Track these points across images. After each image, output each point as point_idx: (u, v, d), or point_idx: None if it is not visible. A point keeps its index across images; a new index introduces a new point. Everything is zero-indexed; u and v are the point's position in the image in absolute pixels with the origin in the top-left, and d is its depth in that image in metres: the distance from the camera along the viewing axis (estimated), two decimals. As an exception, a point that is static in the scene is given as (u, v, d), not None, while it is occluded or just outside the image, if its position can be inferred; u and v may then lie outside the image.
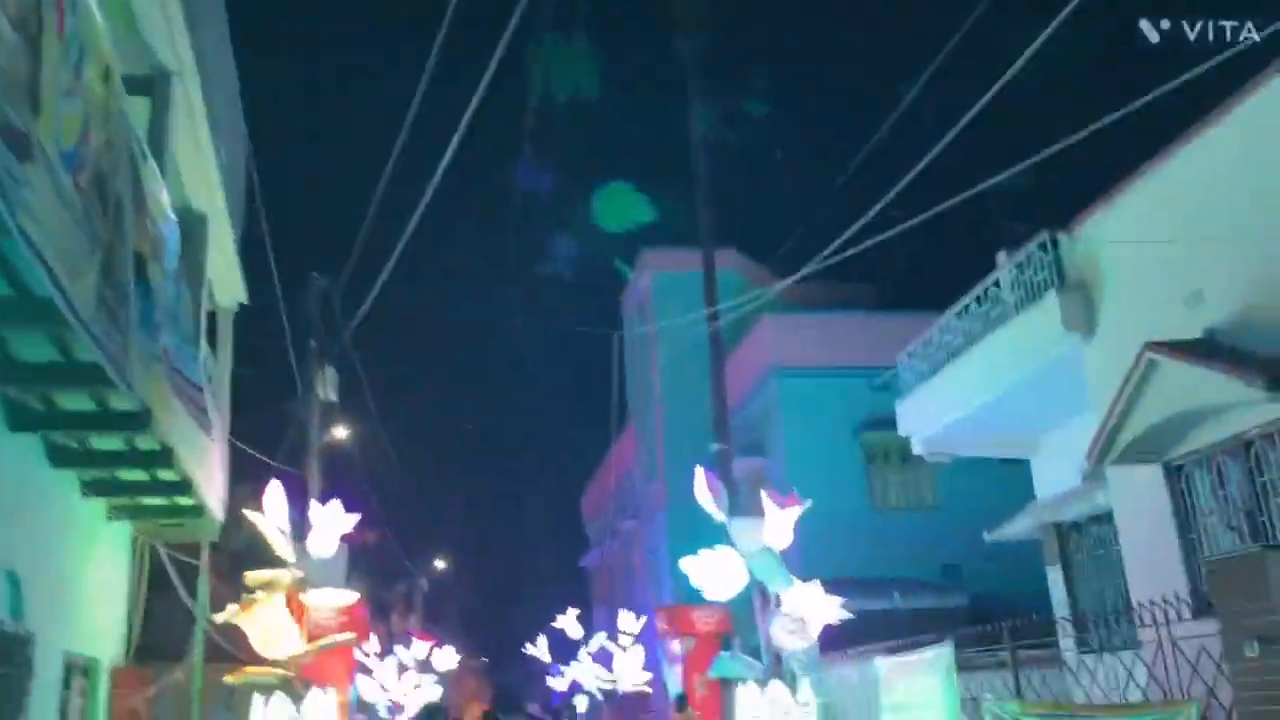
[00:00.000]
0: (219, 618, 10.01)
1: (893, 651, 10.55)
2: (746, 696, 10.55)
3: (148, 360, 6.58)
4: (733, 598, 10.44)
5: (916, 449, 12.59)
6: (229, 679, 10.79)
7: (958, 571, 17.86)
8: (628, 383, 25.71)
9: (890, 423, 18.63)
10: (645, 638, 22.02)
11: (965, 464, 18.90)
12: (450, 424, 77.56)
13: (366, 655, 22.31)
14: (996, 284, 11.30)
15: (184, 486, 9.35)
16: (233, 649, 13.07)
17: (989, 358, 11.30)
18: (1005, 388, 11.05)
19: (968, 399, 11.66)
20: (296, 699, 10.45)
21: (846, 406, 18.42)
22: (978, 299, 11.68)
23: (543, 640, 32.37)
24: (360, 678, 22.32)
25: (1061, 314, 10.02)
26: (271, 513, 10.18)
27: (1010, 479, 18.43)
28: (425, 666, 34.72)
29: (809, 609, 10.75)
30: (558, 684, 35.09)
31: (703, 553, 10.53)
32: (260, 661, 10.68)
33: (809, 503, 11.08)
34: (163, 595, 12.11)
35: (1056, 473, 12.15)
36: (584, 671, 23.91)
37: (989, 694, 8.60)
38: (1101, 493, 10.40)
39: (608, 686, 21.79)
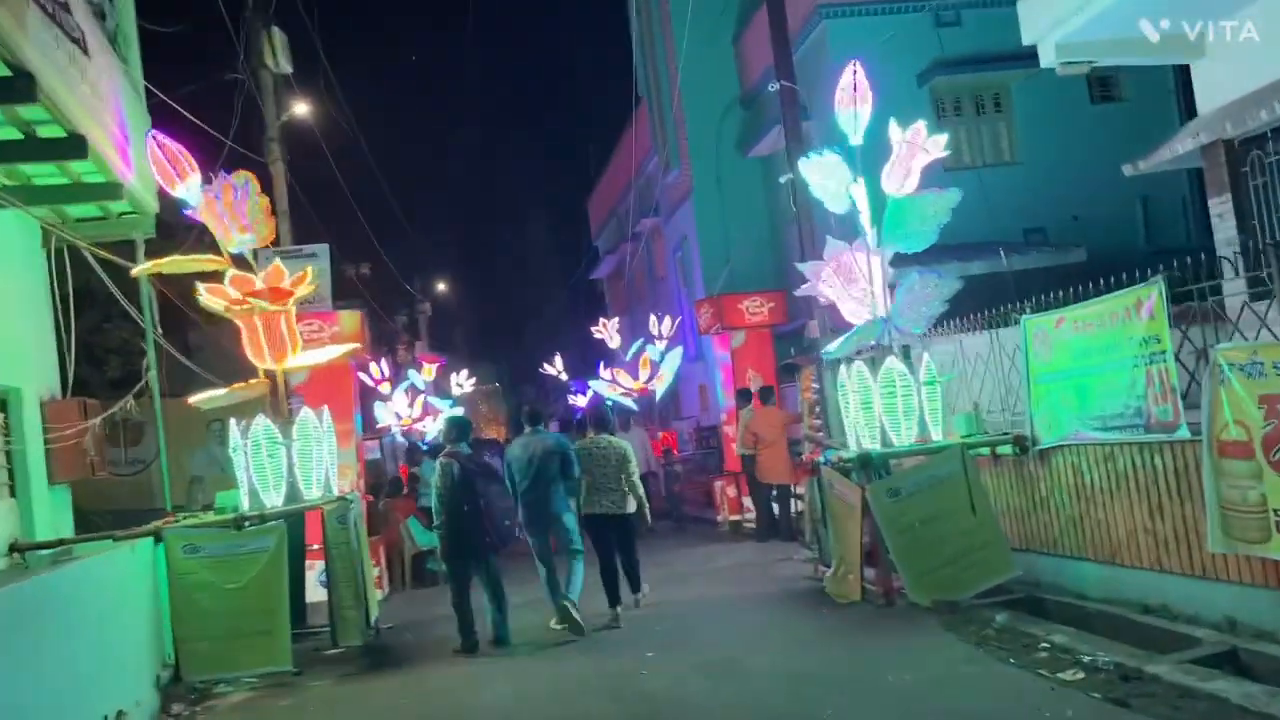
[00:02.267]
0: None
1: (1035, 309, 8.26)
2: (853, 378, 8.41)
3: None
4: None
5: (1046, 58, 9.66)
6: (193, 400, 8.63)
7: (1043, 235, 15.41)
8: (638, 62, 22.25)
9: (964, 64, 15.56)
10: (679, 342, 20.00)
11: (1050, 112, 16.00)
12: (436, 126, 72.35)
13: (375, 381, 20.47)
14: None
15: (72, 145, 6.58)
16: (204, 372, 10.89)
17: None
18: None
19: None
20: (282, 421, 8.35)
21: (909, 49, 15.22)
22: None
23: (558, 359, 30.83)
24: (376, 406, 20.61)
25: None
26: (160, 172, 7.58)
27: (1102, 129, 15.60)
28: (439, 391, 33.57)
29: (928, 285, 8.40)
30: (578, 401, 33.88)
31: (822, 155, 8.06)
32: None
33: (946, 151, 8.49)
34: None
35: (1230, 77, 9.30)
36: (606, 385, 22.06)
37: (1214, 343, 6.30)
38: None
39: (635, 394, 19.98)
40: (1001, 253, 11.73)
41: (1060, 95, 15.27)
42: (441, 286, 37.33)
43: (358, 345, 10.95)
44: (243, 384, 8.40)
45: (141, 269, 8.53)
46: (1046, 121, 15.91)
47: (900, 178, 8.19)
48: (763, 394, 12.79)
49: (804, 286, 9.00)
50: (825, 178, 8.45)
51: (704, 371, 20.60)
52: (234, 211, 7.98)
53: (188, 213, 8.03)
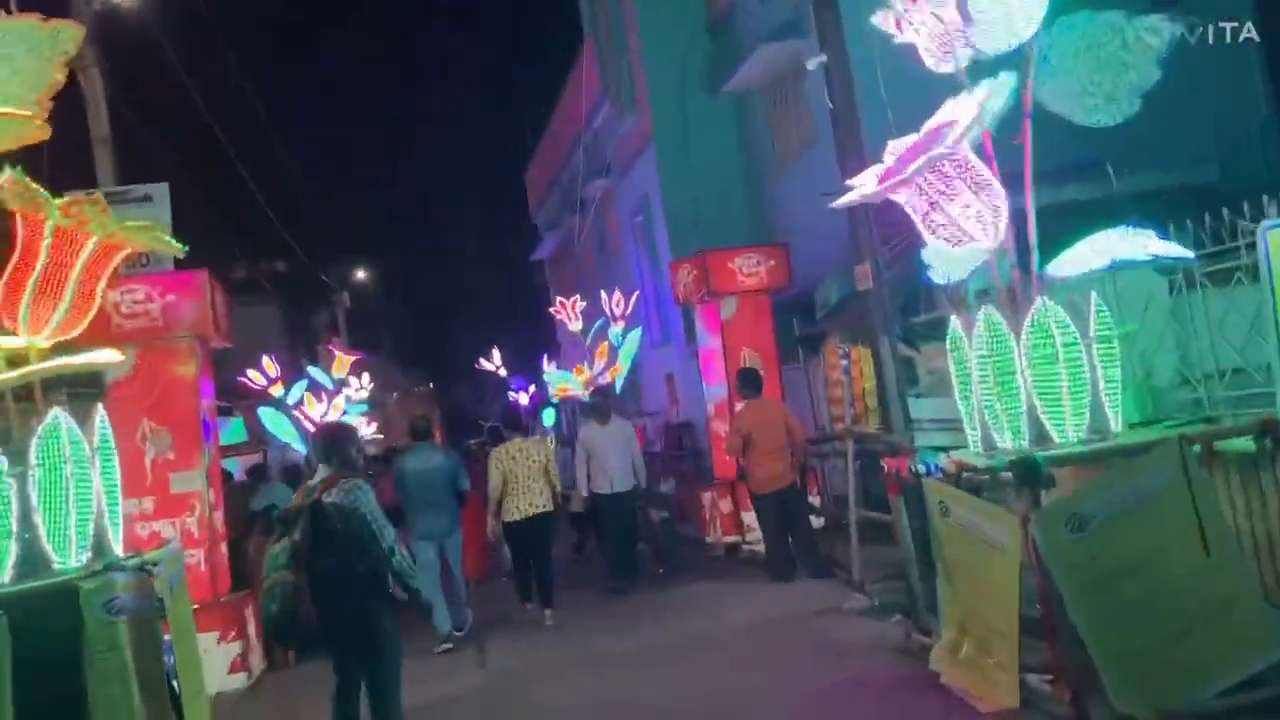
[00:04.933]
0: None
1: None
2: (986, 331, 5.15)
3: None
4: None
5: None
6: None
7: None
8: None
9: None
10: (638, 322, 16.63)
11: None
12: (349, 92, 66.38)
13: (266, 382, 16.72)
14: None
15: None
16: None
17: None
18: None
19: None
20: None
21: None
22: None
23: (496, 353, 27.32)
24: (264, 411, 16.87)
25: None
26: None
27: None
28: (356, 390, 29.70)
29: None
30: (520, 399, 30.39)
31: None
32: None
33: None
34: None
35: None
36: (557, 375, 18.54)
37: None
38: None
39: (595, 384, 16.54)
40: (1110, 170, 8.55)
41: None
42: (361, 275, 33.31)
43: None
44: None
45: None
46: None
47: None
48: (752, 381, 9.41)
49: (856, 193, 5.51)
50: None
51: (673, 356, 17.24)
52: None
53: None
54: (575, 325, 16.74)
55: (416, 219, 59.10)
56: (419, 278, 52.19)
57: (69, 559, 4.73)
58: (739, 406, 9.58)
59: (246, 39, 42.28)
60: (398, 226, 59.71)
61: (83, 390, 7.78)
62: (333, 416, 18.80)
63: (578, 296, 17.12)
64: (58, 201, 4.72)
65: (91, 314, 4.97)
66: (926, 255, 5.61)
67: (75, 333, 4.92)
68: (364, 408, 26.68)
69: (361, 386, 27.05)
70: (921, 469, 5.64)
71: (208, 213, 19.48)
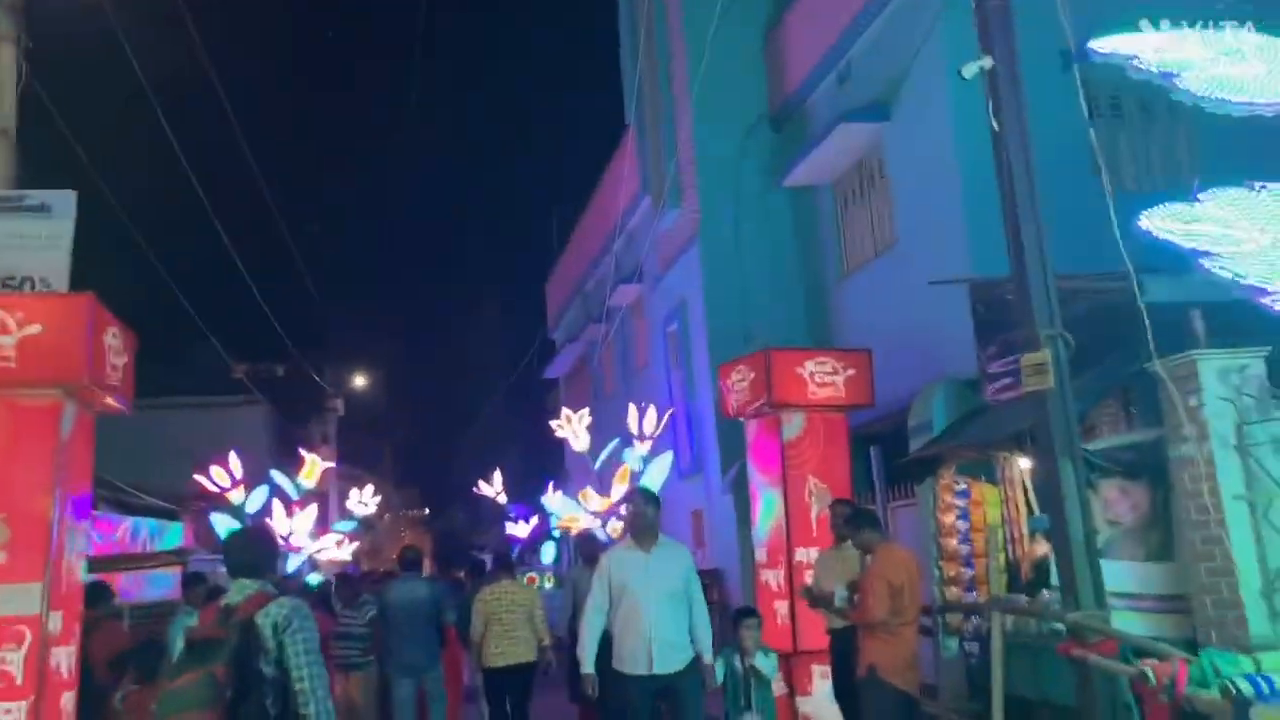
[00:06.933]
0: None
1: None
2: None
3: None
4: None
5: None
6: None
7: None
8: (627, 72, 17.12)
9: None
10: (667, 445, 14.18)
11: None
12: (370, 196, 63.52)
13: (229, 484, 14.24)
14: None
15: None
16: None
17: None
18: None
19: None
20: None
21: (1049, 20, 9.96)
22: None
23: (497, 476, 24.80)
24: (217, 517, 14.31)
25: None
26: None
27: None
28: (343, 512, 26.94)
29: None
30: (518, 530, 27.64)
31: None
32: None
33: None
34: None
35: None
36: (563, 503, 15.98)
37: None
38: None
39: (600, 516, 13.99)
40: None
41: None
42: (360, 382, 30.95)
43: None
44: None
45: None
46: (1231, 130, 10.71)
47: None
48: (870, 518, 6.65)
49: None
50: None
51: (702, 489, 14.65)
52: None
53: None
54: (581, 444, 14.27)
55: (424, 329, 57.17)
56: (422, 390, 49.84)
57: None
58: (880, 551, 6.20)
59: (259, 127, 41.39)
60: (403, 336, 57.81)
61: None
62: (301, 531, 16.23)
63: (586, 411, 14.69)
64: None
65: None
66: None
67: None
68: (353, 525, 24.00)
69: (363, 501, 24.44)
70: (1246, 688, 3.06)
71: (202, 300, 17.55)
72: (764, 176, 14.11)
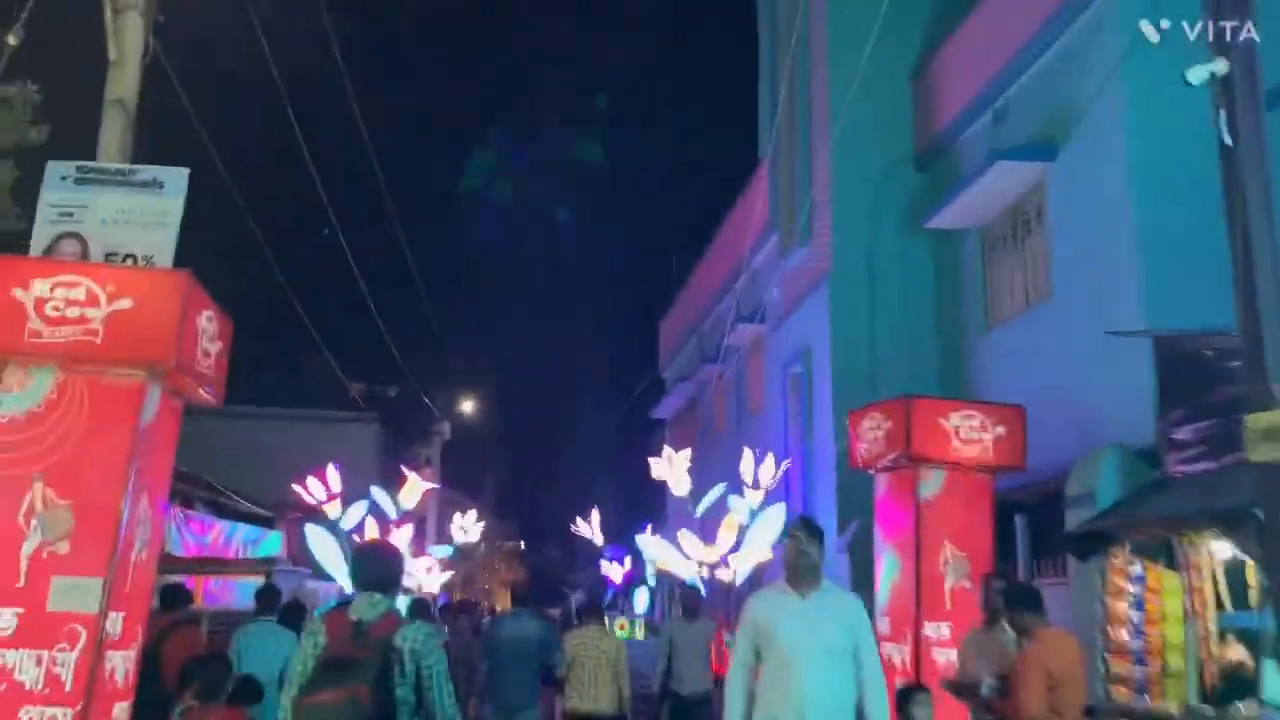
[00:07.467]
0: None
1: None
2: None
3: None
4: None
5: None
6: None
7: None
8: (764, 104, 16.56)
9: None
10: (781, 496, 13.32)
11: None
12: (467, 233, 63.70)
13: (326, 497, 13.97)
14: None
15: None
16: None
17: None
18: None
19: None
20: None
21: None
22: None
23: (595, 515, 24.20)
24: (311, 528, 14.03)
25: None
26: None
27: None
28: (441, 535, 26.67)
29: None
30: (612, 571, 26.90)
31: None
32: None
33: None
34: None
35: None
36: (660, 547, 15.19)
37: None
38: None
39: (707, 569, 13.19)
40: None
41: None
42: (467, 407, 30.88)
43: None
44: None
45: None
46: None
47: None
48: (1034, 599, 5.62)
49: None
50: None
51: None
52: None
53: None
54: (682, 489, 13.49)
55: (534, 361, 57.45)
56: (527, 423, 49.79)
57: None
58: (1039, 636, 5.21)
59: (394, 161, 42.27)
60: (513, 367, 58.06)
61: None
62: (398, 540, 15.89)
63: (687, 452, 13.88)
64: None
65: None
66: None
67: None
68: (450, 551, 23.60)
69: (464, 527, 24.06)
70: None
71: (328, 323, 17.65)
72: (901, 217, 13.28)
